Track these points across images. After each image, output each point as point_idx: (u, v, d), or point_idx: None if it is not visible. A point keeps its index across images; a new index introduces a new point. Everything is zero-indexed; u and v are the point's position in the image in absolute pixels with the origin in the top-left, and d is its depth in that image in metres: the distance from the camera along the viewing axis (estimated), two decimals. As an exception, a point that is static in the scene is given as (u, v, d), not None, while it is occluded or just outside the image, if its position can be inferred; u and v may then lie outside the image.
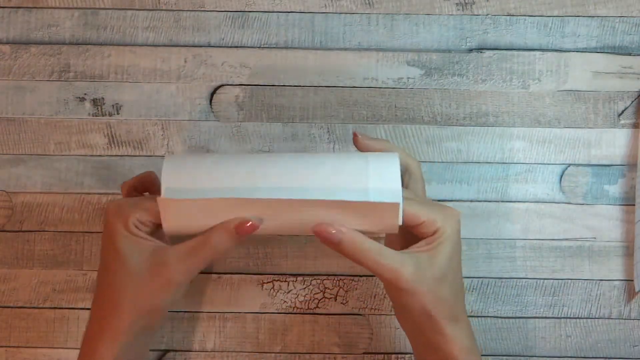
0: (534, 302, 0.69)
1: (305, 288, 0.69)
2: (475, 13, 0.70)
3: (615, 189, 0.69)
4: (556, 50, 0.70)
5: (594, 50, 0.70)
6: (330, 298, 0.69)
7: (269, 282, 0.69)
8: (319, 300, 0.69)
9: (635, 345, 0.69)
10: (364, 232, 0.54)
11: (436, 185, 0.69)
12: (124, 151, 0.70)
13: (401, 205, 0.54)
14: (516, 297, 0.69)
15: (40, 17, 0.70)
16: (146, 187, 0.62)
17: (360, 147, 0.60)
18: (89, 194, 0.70)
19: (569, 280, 0.69)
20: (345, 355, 0.69)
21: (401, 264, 0.53)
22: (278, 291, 0.69)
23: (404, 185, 0.59)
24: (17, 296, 0.69)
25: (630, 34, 0.70)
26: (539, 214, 0.69)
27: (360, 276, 0.69)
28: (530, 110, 0.70)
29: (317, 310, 0.69)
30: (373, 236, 0.55)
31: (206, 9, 0.70)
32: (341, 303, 0.69)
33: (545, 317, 0.69)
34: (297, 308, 0.69)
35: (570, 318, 0.69)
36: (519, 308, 0.69)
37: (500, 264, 0.69)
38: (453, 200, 0.69)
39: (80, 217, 0.70)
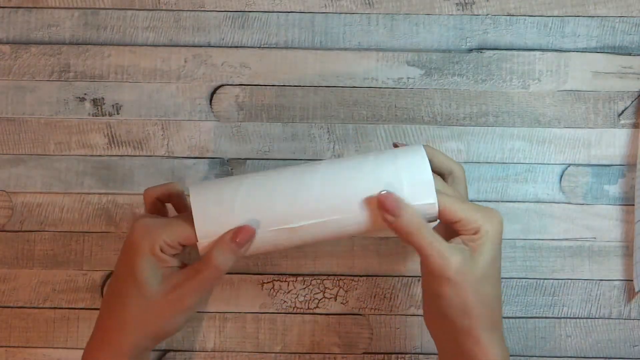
0: (534, 302, 0.69)
1: (305, 288, 0.69)
2: (475, 13, 0.70)
3: (615, 189, 0.69)
4: (556, 50, 0.70)
5: (594, 50, 0.70)
6: (330, 298, 0.69)
7: (269, 282, 0.69)
8: (319, 300, 0.69)
9: (635, 345, 0.69)
10: None
11: (436, 185, 0.69)
12: (124, 151, 0.70)
13: (434, 196, 0.54)
14: (516, 297, 0.69)
15: (40, 17, 0.70)
16: (171, 198, 0.61)
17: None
18: (89, 194, 0.70)
19: (569, 280, 0.69)
20: (345, 355, 0.69)
21: (451, 253, 0.52)
22: (278, 291, 0.69)
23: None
24: (17, 296, 0.69)
25: (630, 34, 0.70)
26: (539, 214, 0.69)
27: (360, 276, 0.69)
28: (530, 110, 0.70)
29: (317, 310, 0.69)
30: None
31: (206, 9, 0.70)
32: (341, 303, 0.69)
33: (545, 317, 0.69)
34: (297, 308, 0.69)
35: (570, 318, 0.69)
36: (519, 308, 0.69)
37: (500, 264, 0.69)
38: (453, 200, 0.69)
39: (80, 217, 0.70)
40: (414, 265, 0.69)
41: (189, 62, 0.70)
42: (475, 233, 0.53)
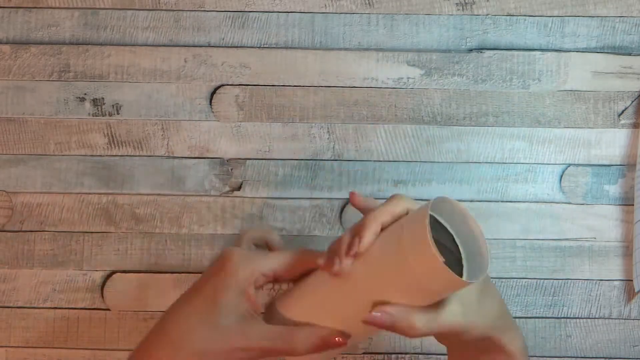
0: (534, 302, 0.69)
1: (305, 288, 0.69)
2: (475, 13, 0.70)
3: (615, 189, 0.69)
4: (556, 50, 0.70)
5: (594, 50, 0.70)
6: (330, 298, 0.69)
7: (269, 282, 0.69)
8: (319, 300, 0.69)
9: (635, 345, 0.69)
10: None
11: (436, 185, 0.69)
12: (124, 151, 0.70)
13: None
14: (516, 297, 0.69)
15: (40, 17, 0.70)
16: (267, 245, 0.61)
17: (357, 206, 0.56)
18: (89, 194, 0.70)
19: (569, 280, 0.69)
20: (345, 355, 0.69)
21: (452, 314, 0.50)
22: (278, 291, 0.69)
23: None
24: (17, 296, 0.69)
25: (630, 34, 0.70)
26: (539, 214, 0.69)
27: (360, 276, 0.69)
28: (530, 110, 0.70)
29: (317, 310, 0.69)
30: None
31: (206, 9, 0.70)
32: (341, 303, 0.69)
33: (545, 317, 0.69)
34: (297, 308, 0.69)
35: (570, 318, 0.69)
36: (519, 308, 0.69)
37: (500, 264, 0.69)
38: (453, 200, 0.69)
39: (80, 217, 0.70)
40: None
41: (189, 62, 0.70)
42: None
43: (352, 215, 0.69)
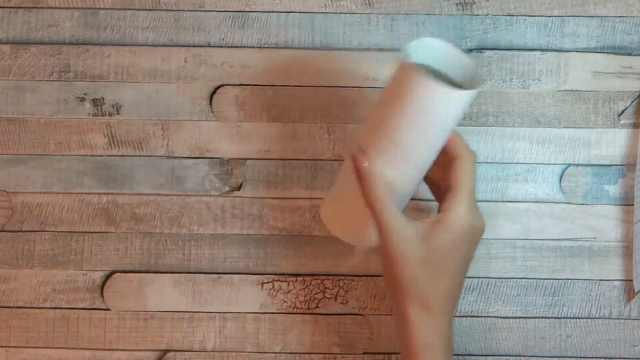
0: (534, 302, 0.69)
1: (305, 288, 0.69)
2: (475, 13, 0.70)
3: (615, 189, 0.69)
4: (556, 50, 0.70)
5: (594, 50, 0.70)
6: (330, 298, 0.69)
7: (269, 282, 0.69)
8: (319, 300, 0.69)
9: (635, 345, 0.69)
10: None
11: (436, 185, 0.69)
12: (124, 151, 0.70)
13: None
14: (516, 297, 0.69)
15: (40, 17, 0.70)
16: None
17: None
18: (89, 194, 0.70)
19: (569, 280, 0.69)
20: (345, 355, 0.69)
21: (397, 228, 0.54)
22: (278, 291, 0.69)
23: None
24: (17, 296, 0.69)
25: (630, 34, 0.70)
26: (539, 214, 0.69)
27: (360, 276, 0.69)
28: (530, 110, 0.70)
29: (317, 310, 0.69)
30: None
31: (206, 9, 0.70)
32: (341, 303, 0.69)
33: (545, 317, 0.69)
34: (297, 308, 0.69)
35: (570, 318, 0.69)
36: (519, 308, 0.69)
37: (500, 264, 0.69)
38: (453, 200, 0.69)
39: (80, 217, 0.70)
40: (414, 265, 0.69)
41: (189, 62, 0.70)
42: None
43: (352, 215, 0.69)
